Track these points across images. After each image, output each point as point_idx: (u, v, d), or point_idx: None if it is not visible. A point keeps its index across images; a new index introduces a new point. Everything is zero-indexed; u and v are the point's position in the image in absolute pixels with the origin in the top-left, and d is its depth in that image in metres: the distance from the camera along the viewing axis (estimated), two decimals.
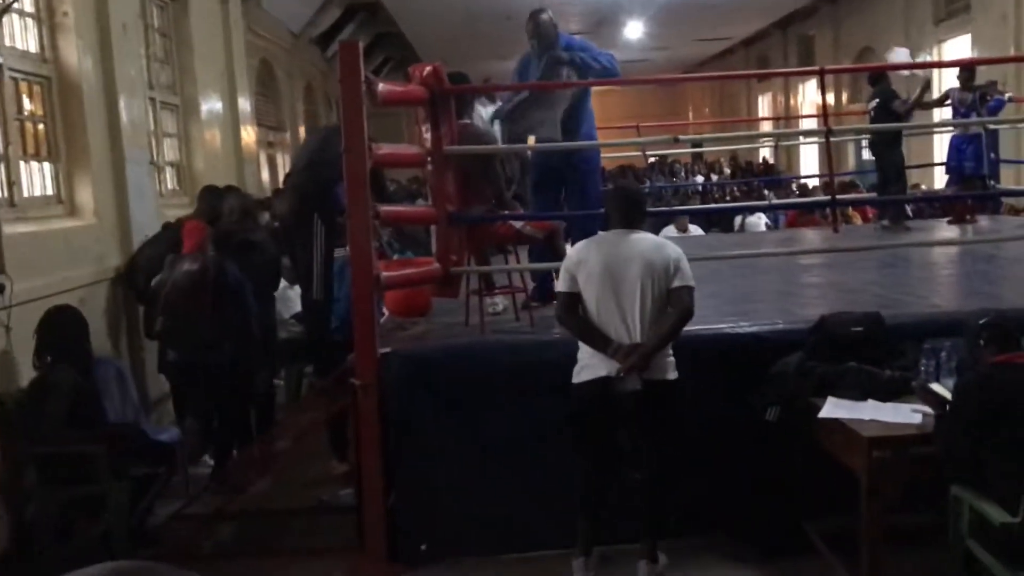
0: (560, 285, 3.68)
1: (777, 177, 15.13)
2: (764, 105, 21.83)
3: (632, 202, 3.75)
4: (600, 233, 3.81)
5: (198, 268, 4.89)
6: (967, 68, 7.88)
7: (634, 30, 15.27)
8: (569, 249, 3.91)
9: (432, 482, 4.02)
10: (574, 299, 3.60)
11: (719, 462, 3.95)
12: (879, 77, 8.00)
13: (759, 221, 10.44)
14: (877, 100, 7.66)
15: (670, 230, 9.43)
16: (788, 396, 3.69)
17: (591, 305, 3.56)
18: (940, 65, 13.89)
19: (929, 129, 10.99)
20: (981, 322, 3.19)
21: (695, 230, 9.52)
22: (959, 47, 12.94)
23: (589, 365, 3.55)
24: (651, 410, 3.48)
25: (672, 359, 3.59)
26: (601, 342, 3.50)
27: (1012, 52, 11.02)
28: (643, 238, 3.64)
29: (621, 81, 4.95)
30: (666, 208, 9.62)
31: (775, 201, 10.30)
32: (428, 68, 4.42)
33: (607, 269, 3.54)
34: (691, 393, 3.90)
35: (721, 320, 4.36)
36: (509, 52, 19.19)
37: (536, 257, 5.07)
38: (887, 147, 7.80)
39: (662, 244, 3.67)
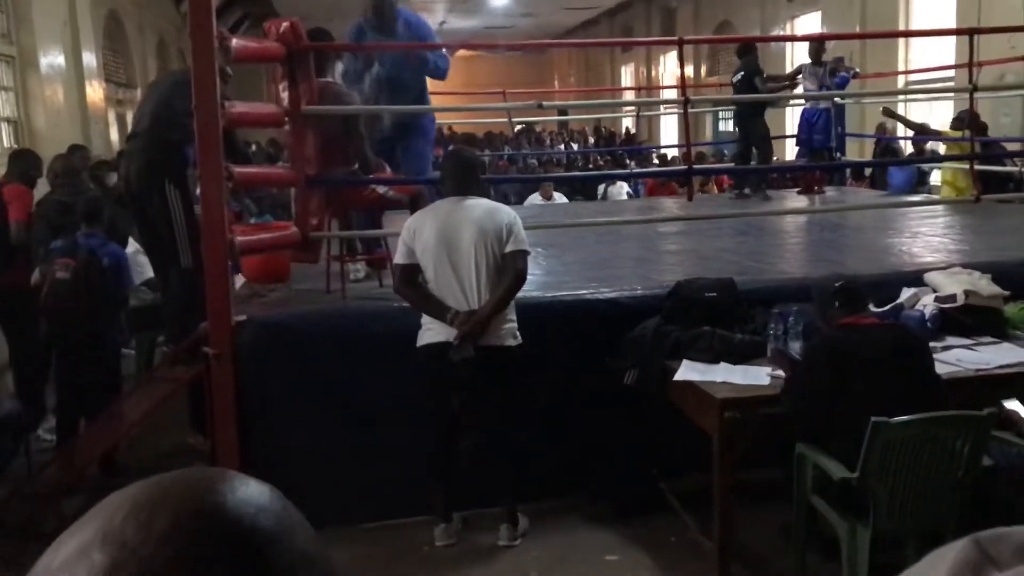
0: (397, 257, 3.64)
1: (639, 147, 15.48)
2: (627, 75, 22.22)
3: (466, 169, 3.73)
4: (435, 202, 3.76)
5: (71, 278, 4.66)
6: (818, 44, 8.19)
7: None
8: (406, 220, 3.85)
9: (290, 453, 3.91)
10: (412, 270, 3.58)
11: (579, 425, 4.02)
12: (745, 50, 8.18)
13: (621, 189, 10.66)
14: (742, 73, 7.86)
15: (535, 198, 9.51)
16: (645, 360, 3.77)
17: (429, 274, 3.55)
18: (792, 39, 14.47)
19: (784, 102, 11.44)
20: (836, 285, 3.32)
21: (559, 198, 9.63)
22: (810, 23, 13.50)
23: (430, 329, 3.55)
24: (487, 376, 3.48)
25: (512, 325, 3.59)
26: (439, 310, 3.49)
27: (858, 29, 11.58)
28: (476, 204, 3.61)
29: (487, 45, 4.94)
30: (531, 175, 9.67)
31: (636, 170, 10.51)
32: (285, 24, 4.25)
33: (442, 237, 3.51)
34: (553, 357, 3.96)
35: (583, 286, 4.42)
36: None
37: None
38: (749, 118, 8.02)
39: (495, 209, 3.65)
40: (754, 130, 7.98)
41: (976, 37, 5.85)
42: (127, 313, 5.84)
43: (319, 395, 3.94)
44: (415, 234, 3.57)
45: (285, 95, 4.27)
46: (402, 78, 5.30)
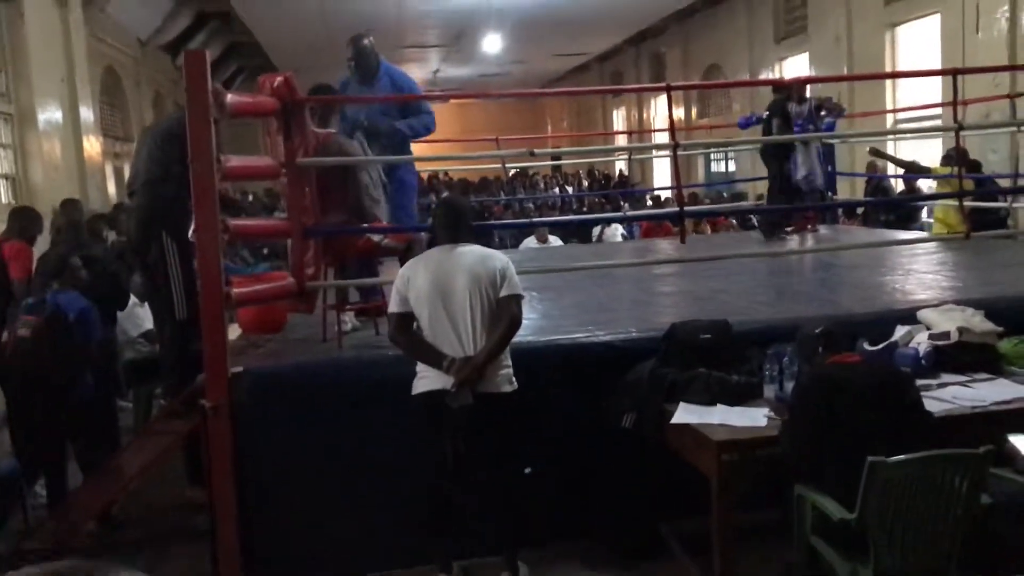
0: (391, 306, 3.64)
1: (632, 189, 15.58)
2: (619, 119, 22.45)
3: (457, 216, 3.74)
4: (428, 250, 3.79)
5: (31, 335, 4.63)
6: (801, 84, 8.25)
7: (492, 44, 15.42)
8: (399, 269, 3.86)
9: (288, 504, 3.90)
10: (406, 319, 3.59)
11: (578, 469, 4.01)
12: (777, 88, 8.07)
13: (616, 232, 10.72)
14: (767, 112, 7.78)
15: (531, 241, 9.56)
16: (642, 403, 3.78)
17: (424, 323, 3.55)
18: (779, 82, 14.62)
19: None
20: (817, 331, 3.37)
21: (555, 241, 9.68)
22: (799, 64, 13.70)
23: (426, 377, 3.55)
24: (484, 423, 3.46)
25: (508, 371, 3.59)
26: (434, 358, 3.49)
27: (845, 70, 11.75)
28: (469, 251, 3.63)
29: (479, 95, 4.99)
30: (526, 220, 9.73)
31: (629, 212, 10.58)
32: (279, 78, 4.31)
33: (436, 285, 3.52)
34: (550, 402, 3.97)
35: (579, 329, 4.44)
36: None
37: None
38: (771, 158, 8.02)
39: (488, 255, 3.66)
40: (772, 172, 7.93)
41: (961, 76, 5.94)
42: (124, 366, 5.84)
43: (317, 445, 3.93)
44: (409, 282, 3.59)
45: (281, 147, 4.32)
46: (381, 130, 5.37)
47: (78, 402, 4.90)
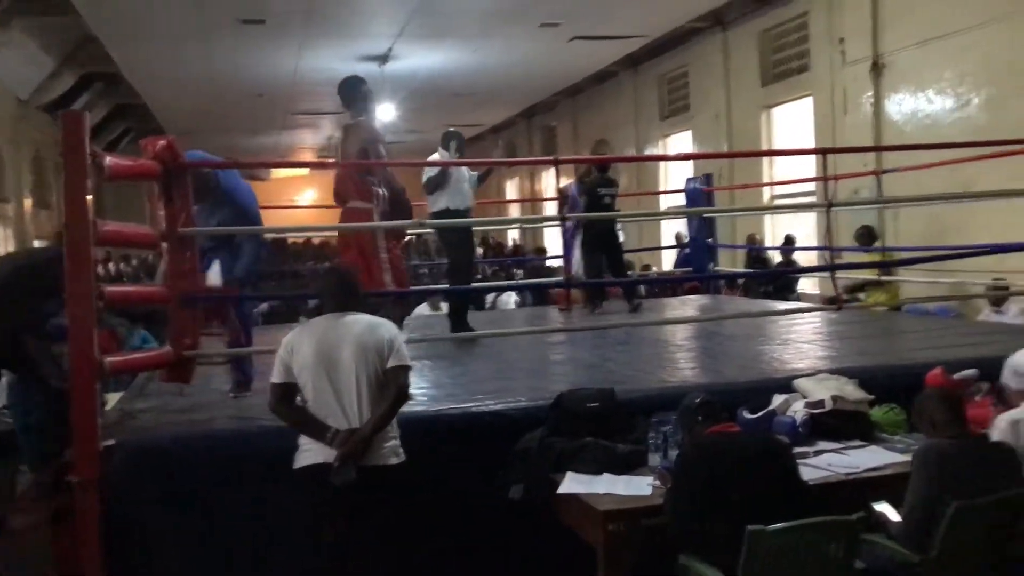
0: (274, 376, 3.52)
1: (525, 257, 15.75)
2: (512, 188, 22.81)
3: (345, 284, 3.69)
4: (314, 318, 3.73)
5: None
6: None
7: (386, 112, 15.52)
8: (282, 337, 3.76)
9: None
10: (289, 389, 3.48)
11: (468, 542, 3.94)
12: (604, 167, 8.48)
13: (509, 299, 10.79)
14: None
15: (424, 308, 9.51)
16: (530, 473, 3.76)
17: (308, 393, 3.45)
18: (663, 158, 15.25)
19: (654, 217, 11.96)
20: (696, 401, 3.45)
21: (448, 308, 9.65)
22: (682, 141, 14.26)
23: (308, 450, 3.43)
24: (370, 497, 3.36)
25: (395, 443, 3.51)
26: (318, 430, 3.39)
27: (725, 147, 12.31)
28: (356, 320, 3.56)
29: (370, 164, 4.98)
30: (420, 287, 9.69)
31: (520, 281, 10.70)
32: (162, 142, 4.22)
33: (321, 354, 3.44)
34: (439, 474, 3.90)
35: (469, 398, 4.42)
36: (262, 127, 19.01)
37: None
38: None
39: (376, 324, 3.60)
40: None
41: (830, 156, 6.29)
42: None
43: (194, 522, 3.75)
44: (293, 350, 3.49)
45: (162, 213, 4.22)
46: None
47: None
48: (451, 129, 7.19)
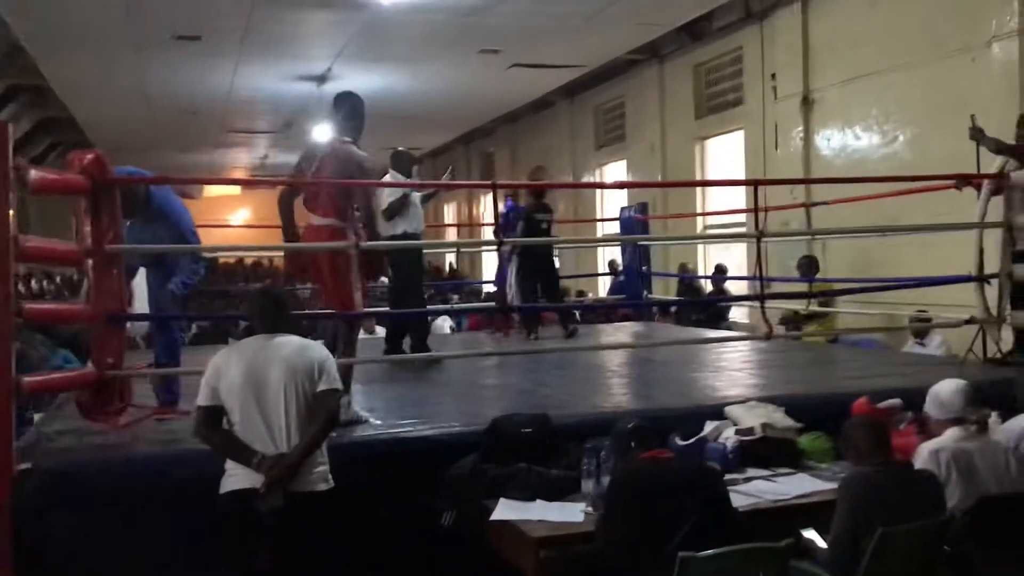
0: (199, 398, 3.42)
1: (460, 281, 15.73)
2: (450, 212, 22.81)
3: (275, 305, 3.62)
4: (243, 340, 3.65)
5: None
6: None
7: (323, 133, 15.39)
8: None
9: None
10: (215, 413, 3.38)
11: (398, 570, 3.87)
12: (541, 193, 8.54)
13: (444, 324, 10.74)
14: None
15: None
16: (463, 499, 3.73)
17: (235, 416, 3.36)
18: (600, 186, 15.42)
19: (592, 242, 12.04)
20: (629, 427, 3.46)
21: (381, 331, 9.57)
22: (617, 170, 14.44)
23: (234, 475, 3.34)
24: (297, 524, 3.27)
25: (324, 468, 3.42)
26: (244, 455, 3.29)
27: (659, 177, 12.50)
28: (286, 341, 3.49)
29: (295, 183, 4.91)
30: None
31: (457, 305, 10.67)
32: (90, 156, 4.11)
33: (249, 377, 3.35)
34: (369, 501, 3.84)
35: (401, 423, 4.37)
36: (195, 144, 18.69)
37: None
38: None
39: (306, 346, 3.53)
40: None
41: (761, 187, 6.42)
42: None
43: (114, 550, 3.61)
44: (219, 373, 3.40)
45: (88, 229, 4.09)
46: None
47: None
48: (401, 149, 7.16)
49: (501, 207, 8.51)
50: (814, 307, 7.91)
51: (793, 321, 8.09)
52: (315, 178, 4.67)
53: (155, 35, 10.39)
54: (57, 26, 9.99)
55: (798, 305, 7.92)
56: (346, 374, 4.37)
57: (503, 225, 8.38)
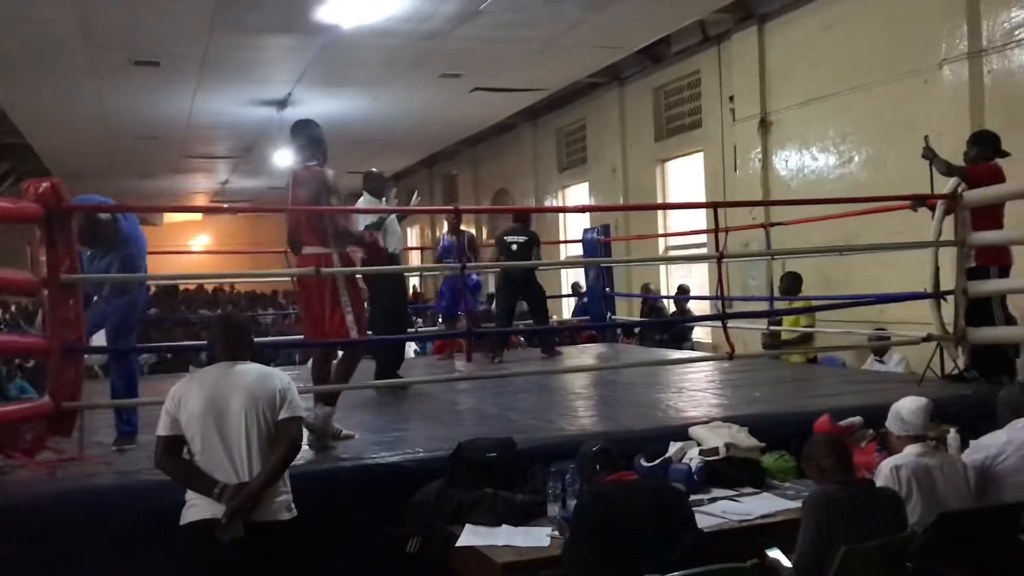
0: (159, 428, 3.36)
1: (425, 305, 15.66)
2: (413, 235, 22.77)
3: (236, 332, 3.58)
4: (203, 368, 3.60)
5: None
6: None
7: (283, 158, 15.34)
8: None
9: None
10: (175, 442, 3.32)
11: None
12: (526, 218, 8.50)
13: (407, 348, 10.70)
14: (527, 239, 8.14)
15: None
16: (428, 526, 3.70)
17: (196, 446, 3.30)
18: (562, 210, 15.50)
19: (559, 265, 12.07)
20: (594, 449, 3.46)
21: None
22: (579, 193, 14.52)
23: (195, 505, 3.27)
24: (259, 555, 3.21)
25: (287, 497, 3.37)
26: (205, 485, 3.24)
27: (621, 199, 12.59)
28: (247, 369, 3.44)
29: (257, 209, 4.88)
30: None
31: (421, 329, 10.64)
32: (45, 184, 4.05)
33: (210, 405, 3.30)
34: (333, 529, 3.80)
35: (365, 450, 4.33)
36: (154, 170, 18.50)
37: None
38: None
39: (268, 374, 3.49)
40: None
41: (721, 209, 6.51)
42: None
43: None
44: (180, 402, 3.34)
45: (43, 258, 4.02)
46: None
47: None
48: (374, 171, 7.09)
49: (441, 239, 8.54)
50: (801, 328, 7.98)
51: (774, 345, 8.16)
52: (286, 207, 4.65)
53: (113, 60, 10.29)
54: (11, 50, 9.86)
55: (761, 327, 8.00)
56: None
57: (440, 258, 8.43)
